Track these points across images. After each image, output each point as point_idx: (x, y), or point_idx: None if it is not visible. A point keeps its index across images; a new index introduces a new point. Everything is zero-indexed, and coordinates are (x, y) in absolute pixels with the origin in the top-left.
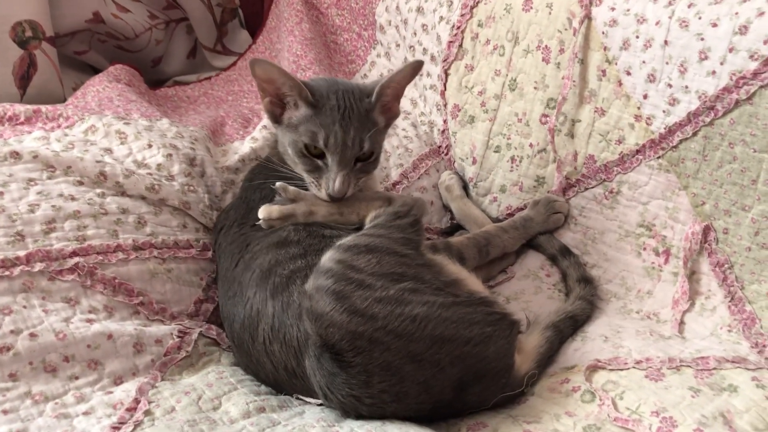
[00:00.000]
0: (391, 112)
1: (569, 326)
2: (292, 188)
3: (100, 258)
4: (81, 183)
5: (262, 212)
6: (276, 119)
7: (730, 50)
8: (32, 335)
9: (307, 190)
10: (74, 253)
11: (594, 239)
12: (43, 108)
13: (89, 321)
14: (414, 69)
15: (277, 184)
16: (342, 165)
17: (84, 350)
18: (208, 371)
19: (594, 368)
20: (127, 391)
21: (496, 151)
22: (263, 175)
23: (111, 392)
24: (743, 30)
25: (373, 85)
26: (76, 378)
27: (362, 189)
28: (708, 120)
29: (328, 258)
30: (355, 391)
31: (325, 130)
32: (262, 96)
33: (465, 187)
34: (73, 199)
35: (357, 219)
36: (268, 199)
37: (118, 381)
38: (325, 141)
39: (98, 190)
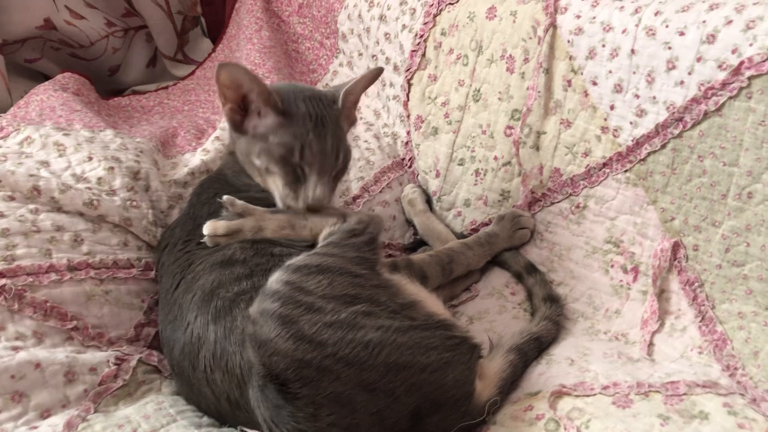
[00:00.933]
0: (350, 119)
1: (534, 348)
2: (239, 202)
3: (30, 279)
4: (12, 198)
5: (207, 228)
6: (237, 128)
7: (698, 60)
8: None
9: (261, 205)
10: (1, 275)
11: (560, 256)
12: None
13: (15, 349)
14: (375, 75)
15: (224, 197)
16: (321, 174)
17: (7, 381)
18: (147, 401)
19: (559, 394)
20: (53, 425)
21: (460, 164)
22: (213, 189)
23: (36, 427)
24: (711, 39)
25: (334, 91)
26: None
27: None
28: (677, 132)
29: (275, 279)
30: (302, 424)
31: (300, 140)
32: (223, 103)
33: (429, 201)
34: (2, 215)
35: (309, 235)
36: (217, 215)
37: (45, 414)
38: (300, 153)
39: (31, 206)
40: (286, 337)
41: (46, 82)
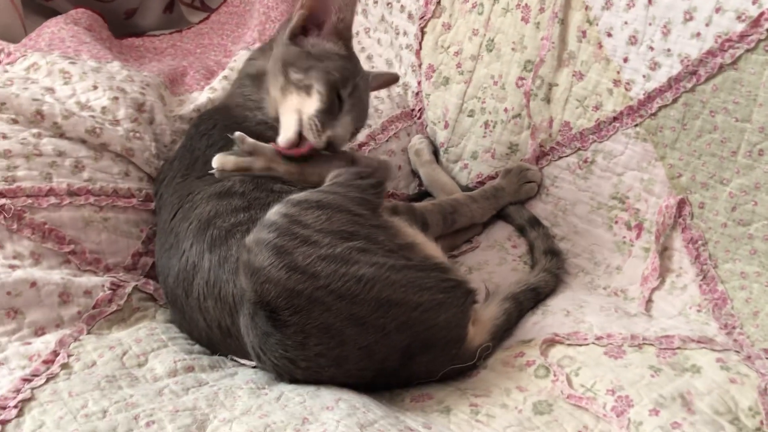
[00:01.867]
0: None
1: (530, 299)
2: (250, 140)
3: (30, 201)
4: (15, 121)
5: (216, 162)
6: (293, 37)
7: (717, 11)
8: None
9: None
10: (1, 195)
11: (565, 211)
12: None
13: (12, 267)
14: (389, 82)
15: (236, 133)
16: (353, 119)
17: (3, 297)
18: (140, 327)
19: (551, 342)
20: (46, 342)
21: (469, 116)
22: (212, 120)
23: (29, 343)
24: None
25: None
26: None
27: None
28: (689, 86)
29: (274, 212)
30: (290, 352)
31: (352, 78)
32: (301, 7)
33: (435, 153)
34: (4, 137)
35: (317, 180)
36: (214, 147)
37: (39, 332)
38: (353, 88)
39: (34, 130)
40: (279, 266)
41: (59, 16)
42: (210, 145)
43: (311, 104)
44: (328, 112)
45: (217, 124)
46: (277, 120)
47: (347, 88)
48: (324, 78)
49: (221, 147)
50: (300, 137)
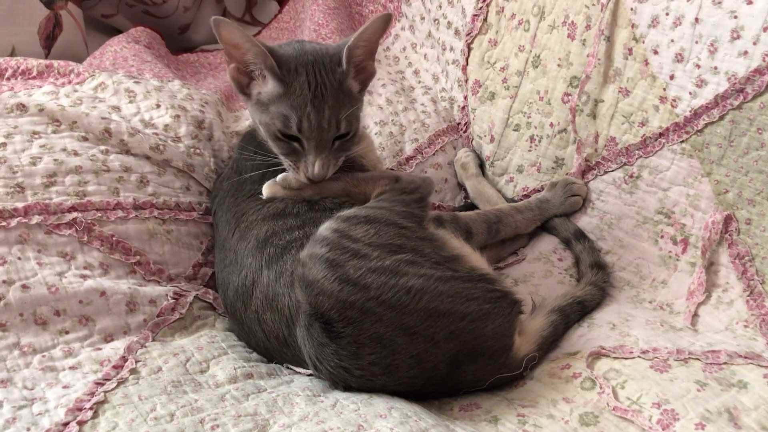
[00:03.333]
0: (365, 72)
1: (576, 311)
2: (293, 181)
3: (99, 215)
4: (85, 139)
5: (267, 191)
6: (243, 91)
7: (765, 29)
8: (24, 287)
9: None
10: (73, 208)
11: (610, 225)
12: (56, 63)
13: (83, 277)
14: (383, 22)
15: (278, 177)
16: (319, 149)
17: (76, 305)
18: (201, 335)
19: (597, 355)
20: (115, 348)
21: (515, 130)
22: (254, 144)
23: (100, 349)
24: None
25: (338, 49)
26: (66, 332)
27: (358, 161)
28: (736, 103)
29: (325, 227)
30: (345, 362)
31: (297, 112)
32: (228, 61)
33: (481, 166)
34: (75, 154)
35: (364, 198)
36: (259, 170)
37: (108, 338)
38: (298, 126)
39: (102, 147)
40: (332, 279)
41: (120, 35)
42: (254, 168)
43: (277, 153)
44: (292, 154)
45: (258, 152)
46: None
47: (295, 125)
48: (268, 132)
49: (265, 172)
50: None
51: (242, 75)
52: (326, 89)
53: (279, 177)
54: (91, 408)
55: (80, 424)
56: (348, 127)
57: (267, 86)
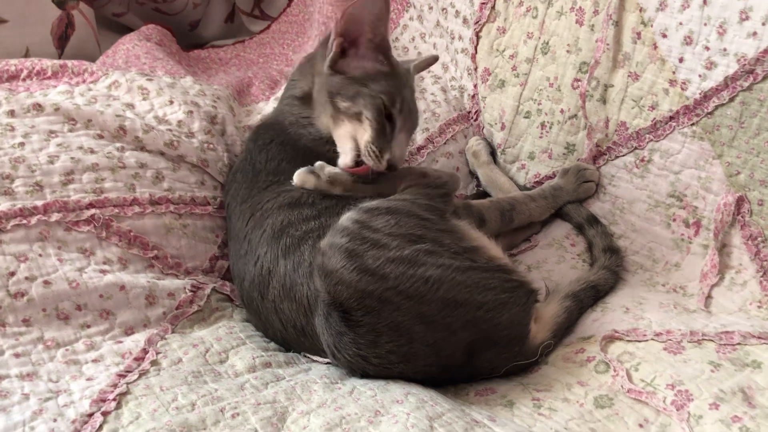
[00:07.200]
0: None
1: (590, 296)
2: (329, 170)
3: (117, 211)
4: (101, 137)
5: (298, 179)
6: (333, 65)
7: None
8: (46, 282)
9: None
10: (91, 205)
11: (623, 209)
12: (69, 63)
13: (103, 272)
14: (429, 63)
15: (316, 164)
16: (407, 132)
17: (96, 300)
18: (219, 326)
19: (611, 339)
20: (136, 341)
21: (525, 117)
22: (268, 136)
23: (121, 342)
24: None
25: (406, 64)
26: (88, 326)
27: None
28: (746, 84)
29: (346, 218)
30: (363, 350)
31: (399, 94)
32: (336, 34)
33: (493, 154)
34: (92, 152)
35: (390, 193)
36: (273, 161)
37: (129, 331)
38: (401, 106)
39: (117, 144)
40: (351, 269)
41: (131, 33)
42: (269, 159)
43: (364, 131)
44: (382, 135)
45: (274, 140)
46: (330, 137)
47: (396, 105)
48: (371, 104)
49: (279, 161)
50: (358, 162)
51: (340, 52)
52: (407, 83)
53: (317, 164)
54: (114, 399)
55: (104, 414)
56: (418, 119)
57: (367, 64)
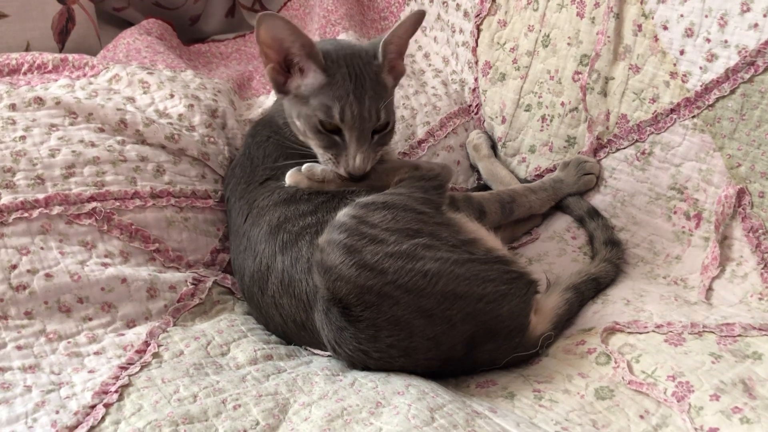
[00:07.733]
0: (396, 71)
1: (591, 288)
2: (319, 172)
3: (118, 204)
4: (102, 130)
5: (290, 179)
6: (281, 89)
7: None
8: (48, 275)
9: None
10: (92, 198)
11: (623, 202)
12: (70, 57)
13: (104, 265)
14: (416, 20)
15: (304, 167)
16: (360, 141)
17: (98, 293)
18: (220, 319)
19: (612, 331)
20: (138, 334)
21: (526, 110)
22: (266, 133)
23: (123, 334)
24: None
25: (374, 44)
26: (90, 319)
27: (383, 158)
28: (747, 76)
29: (343, 213)
30: (363, 345)
31: (340, 102)
32: (265, 62)
33: (493, 147)
34: (93, 145)
35: (385, 189)
36: (270, 158)
37: (130, 324)
38: (341, 115)
39: (118, 138)
40: (350, 265)
41: (132, 27)
42: (266, 156)
43: (315, 146)
44: (332, 147)
45: (271, 137)
46: None
47: (334, 115)
48: (308, 123)
49: (276, 158)
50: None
51: (279, 74)
52: (365, 80)
53: (304, 166)
54: (116, 391)
55: (107, 406)
56: (386, 117)
57: (307, 79)
